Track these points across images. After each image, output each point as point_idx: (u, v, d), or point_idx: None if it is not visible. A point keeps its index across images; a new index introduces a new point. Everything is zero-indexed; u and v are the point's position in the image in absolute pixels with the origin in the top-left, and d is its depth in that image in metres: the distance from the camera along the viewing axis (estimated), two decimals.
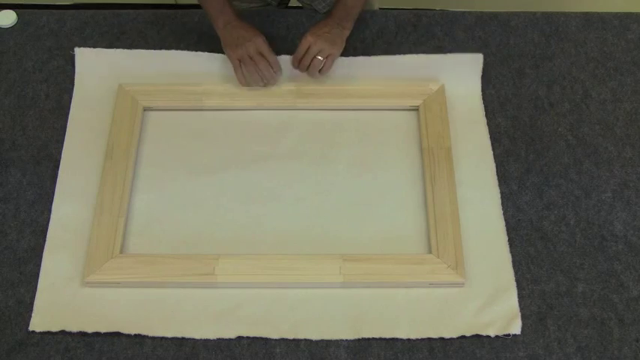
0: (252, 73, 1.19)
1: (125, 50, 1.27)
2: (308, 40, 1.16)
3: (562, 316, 1.04)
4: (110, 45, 1.32)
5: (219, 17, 1.17)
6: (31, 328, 1.02)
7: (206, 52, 1.26)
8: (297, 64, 1.20)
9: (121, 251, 1.07)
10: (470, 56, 1.25)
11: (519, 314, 1.03)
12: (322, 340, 1.02)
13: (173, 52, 1.27)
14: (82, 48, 1.27)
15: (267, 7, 1.45)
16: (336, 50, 1.19)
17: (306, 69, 1.19)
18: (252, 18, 1.35)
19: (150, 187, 1.15)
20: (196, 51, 1.27)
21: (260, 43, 1.17)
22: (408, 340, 1.02)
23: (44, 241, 1.09)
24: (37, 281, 1.06)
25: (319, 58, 1.18)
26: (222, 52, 1.22)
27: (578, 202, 1.15)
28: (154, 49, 1.31)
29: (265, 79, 1.20)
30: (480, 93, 1.25)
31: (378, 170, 1.17)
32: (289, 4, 1.52)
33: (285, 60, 1.22)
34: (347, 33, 1.20)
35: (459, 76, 1.24)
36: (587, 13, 1.38)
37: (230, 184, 1.16)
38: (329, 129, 1.22)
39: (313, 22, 1.35)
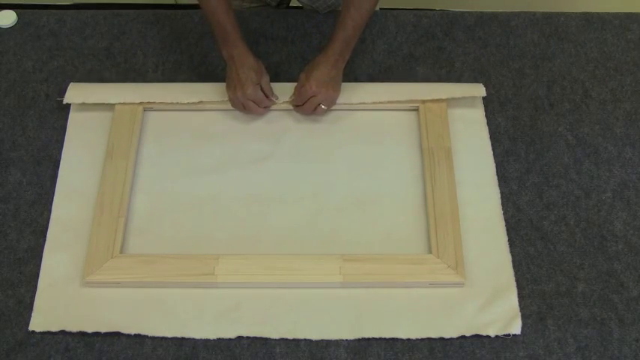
0: (241, 112, 1.20)
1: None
2: (313, 89, 1.14)
3: (562, 316, 1.04)
4: (110, 45, 1.32)
5: (223, 48, 1.16)
6: (31, 328, 1.02)
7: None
8: (297, 107, 1.20)
9: (121, 251, 1.07)
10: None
11: (519, 314, 1.03)
12: (322, 340, 1.02)
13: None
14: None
15: (266, 7, 1.45)
16: (338, 94, 1.19)
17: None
18: (252, 18, 1.36)
19: (150, 187, 1.15)
20: (195, 54, 1.27)
21: (250, 94, 1.15)
22: (408, 340, 1.02)
23: (44, 241, 1.09)
24: (37, 281, 1.06)
25: (323, 107, 1.18)
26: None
27: (578, 202, 1.15)
28: (154, 49, 1.31)
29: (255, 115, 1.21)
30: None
31: (378, 170, 1.17)
32: (290, 5, 1.52)
33: (283, 87, 1.22)
34: (345, 63, 1.17)
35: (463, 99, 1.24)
36: (587, 13, 1.38)
37: (230, 184, 1.16)
38: (329, 129, 1.22)
39: (313, 23, 1.35)
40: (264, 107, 1.20)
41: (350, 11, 1.12)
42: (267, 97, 1.19)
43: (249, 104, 1.17)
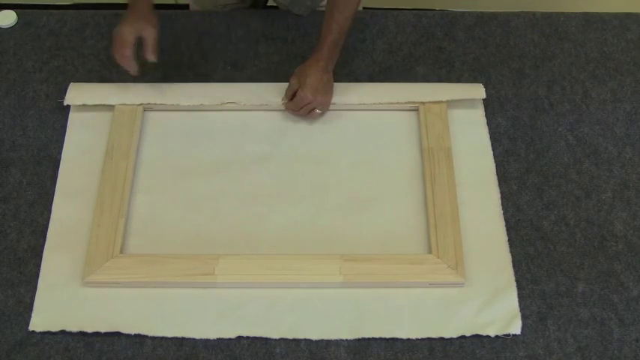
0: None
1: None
2: (309, 97, 1.15)
3: (562, 316, 1.04)
4: (110, 45, 1.32)
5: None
6: (31, 328, 1.02)
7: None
8: (290, 110, 1.20)
9: (121, 251, 1.07)
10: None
11: (519, 314, 1.03)
12: (322, 340, 1.02)
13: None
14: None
15: (242, 6, 1.45)
16: (331, 96, 1.20)
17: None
18: (253, 18, 1.35)
19: (150, 187, 1.15)
20: (195, 54, 1.27)
21: (116, 30, 1.11)
22: (408, 340, 1.02)
23: (44, 241, 1.09)
24: (37, 281, 1.06)
25: (318, 111, 1.19)
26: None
27: (578, 202, 1.15)
28: None
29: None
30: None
31: (377, 170, 1.17)
32: (266, 4, 1.52)
33: (283, 87, 1.21)
34: (334, 65, 1.18)
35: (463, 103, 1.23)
36: (587, 13, 1.38)
37: (230, 184, 1.16)
38: (329, 129, 1.22)
39: (313, 23, 1.35)
40: (122, 55, 1.12)
41: (334, 16, 1.13)
42: (145, 50, 1.13)
43: (113, 41, 1.12)
